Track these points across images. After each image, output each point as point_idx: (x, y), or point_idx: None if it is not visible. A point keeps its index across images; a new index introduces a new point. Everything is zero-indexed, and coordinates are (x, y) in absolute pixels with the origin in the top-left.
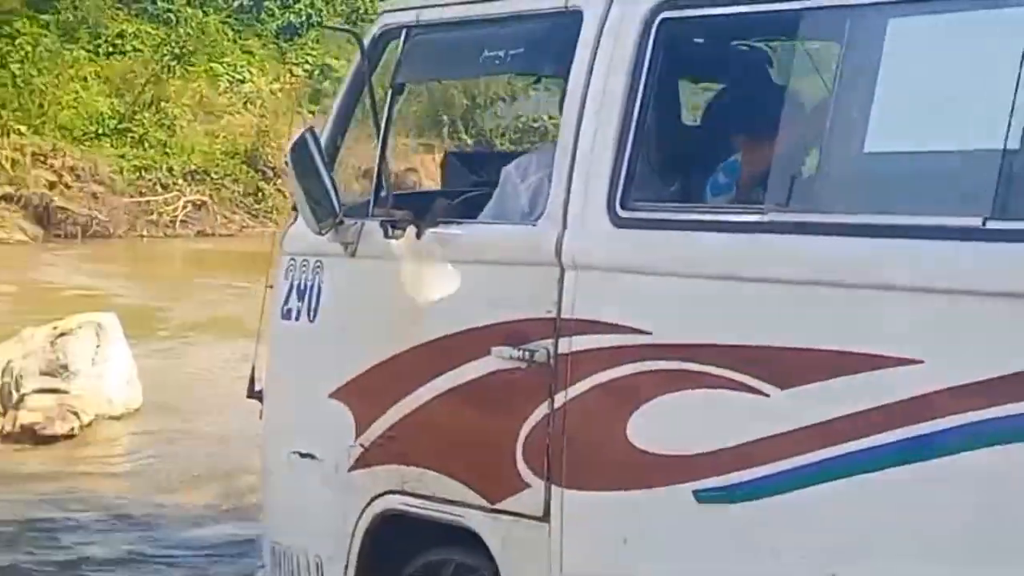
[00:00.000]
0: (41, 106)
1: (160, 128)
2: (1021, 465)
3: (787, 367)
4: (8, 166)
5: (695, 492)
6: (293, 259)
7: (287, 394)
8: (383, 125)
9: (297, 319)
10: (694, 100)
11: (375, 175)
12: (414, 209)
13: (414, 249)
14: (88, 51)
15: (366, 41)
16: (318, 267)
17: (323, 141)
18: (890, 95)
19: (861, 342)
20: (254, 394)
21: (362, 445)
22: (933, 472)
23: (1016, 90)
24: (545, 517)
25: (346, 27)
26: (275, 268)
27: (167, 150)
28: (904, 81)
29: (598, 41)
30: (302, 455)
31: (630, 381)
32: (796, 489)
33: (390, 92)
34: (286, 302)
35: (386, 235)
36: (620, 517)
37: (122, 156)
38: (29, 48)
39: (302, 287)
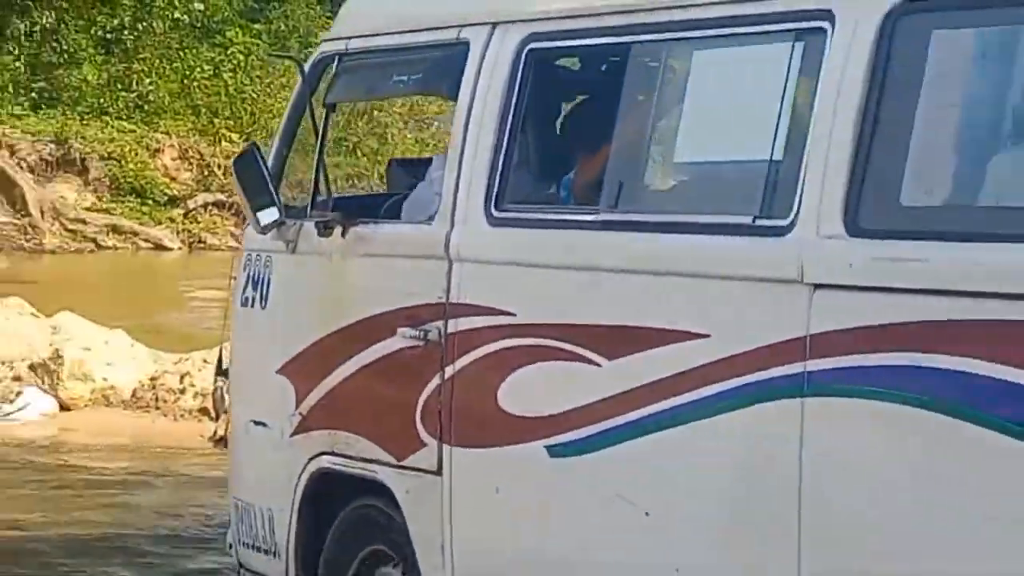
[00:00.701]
0: (253, 114)
1: (372, 136)
2: (776, 412)
3: (613, 342)
4: (220, 173)
5: (547, 447)
6: (250, 254)
7: (245, 371)
8: (319, 138)
9: (252, 306)
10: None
11: (312, 182)
12: (349, 211)
13: (339, 245)
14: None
15: (306, 66)
16: (268, 261)
17: (272, 153)
18: (692, 114)
19: (665, 320)
20: (221, 371)
21: (301, 414)
22: (717, 424)
23: (779, 113)
24: (439, 471)
25: (289, 55)
26: (237, 262)
27: (379, 158)
28: (702, 103)
29: (479, 67)
30: (256, 423)
31: (499, 355)
32: (621, 443)
33: (324, 110)
34: (244, 291)
35: (319, 234)
36: (493, 470)
37: (336, 165)
38: (241, 57)
39: (256, 278)
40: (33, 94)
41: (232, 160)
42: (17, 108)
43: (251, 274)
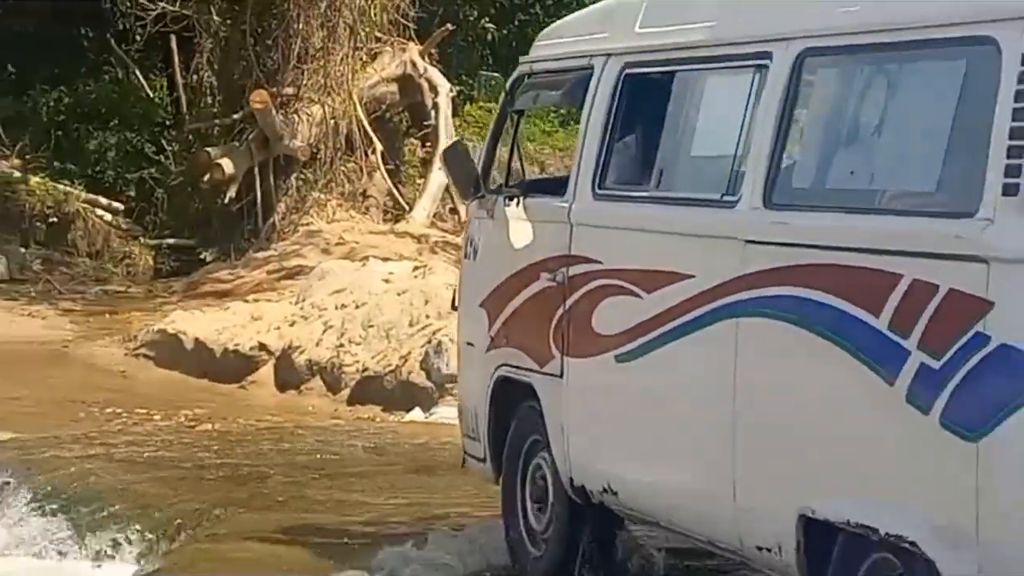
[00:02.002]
0: None
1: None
2: (727, 327)
3: (647, 281)
4: None
5: (615, 356)
6: (471, 221)
7: (463, 306)
8: (513, 135)
9: (469, 258)
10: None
11: (507, 167)
12: (524, 188)
13: (515, 213)
14: None
15: (508, 83)
16: (478, 226)
17: (486, 145)
18: (702, 122)
19: (673, 265)
20: (454, 307)
21: (491, 337)
22: (699, 337)
23: (741, 124)
24: (561, 375)
25: (495, 73)
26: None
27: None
28: (706, 115)
29: (597, 86)
30: (468, 344)
31: (593, 292)
32: (657, 349)
33: (515, 114)
34: (466, 248)
35: (505, 204)
36: (588, 373)
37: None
38: None
39: (472, 239)
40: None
41: (442, 150)
42: (547, 125)
43: (469, 235)
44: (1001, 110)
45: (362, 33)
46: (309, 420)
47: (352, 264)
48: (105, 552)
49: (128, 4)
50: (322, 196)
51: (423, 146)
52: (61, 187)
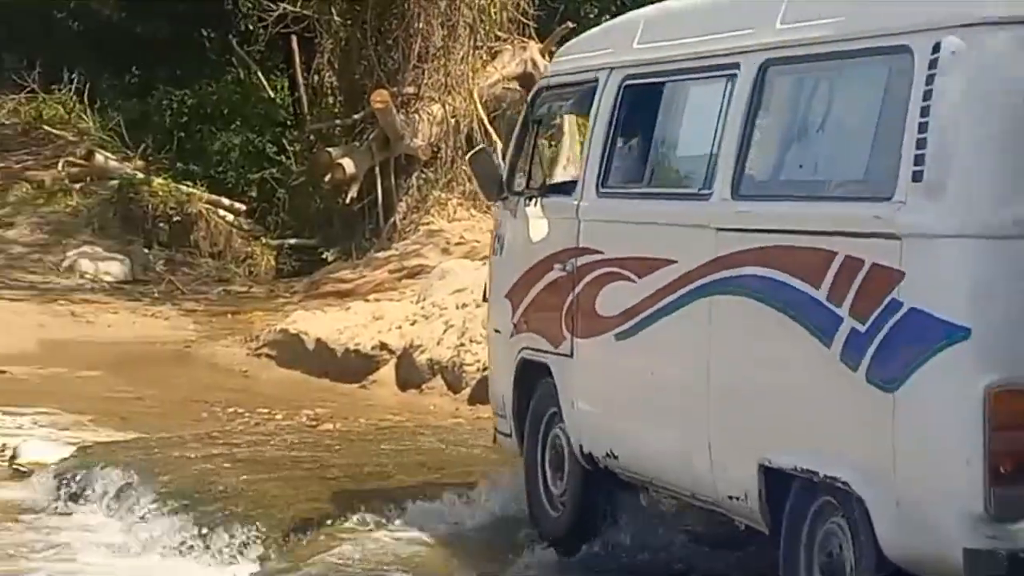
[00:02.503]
0: None
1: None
2: (704, 304)
3: (639, 266)
4: None
5: (614, 335)
6: (497, 220)
7: (493, 297)
8: (532, 142)
9: (496, 254)
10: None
11: (527, 170)
12: (541, 189)
13: (533, 211)
14: None
15: (530, 96)
16: (503, 224)
17: (511, 152)
18: (686, 125)
19: (658, 252)
20: (485, 299)
21: (514, 324)
22: (682, 314)
23: (715, 128)
24: (571, 355)
25: (519, 88)
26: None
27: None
28: (692, 118)
29: (602, 96)
30: (496, 331)
31: (596, 279)
32: (648, 327)
33: (535, 123)
34: (493, 244)
35: (525, 204)
36: (591, 350)
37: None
38: None
39: (499, 236)
40: None
41: (468, 155)
42: None
43: (496, 233)
44: (912, 107)
45: (482, 32)
46: (430, 419)
47: (473, 263)
48: (227, 552)
49: (250, 5)
50: (443, 195)
51: (550, 145)
52: (184, 188)
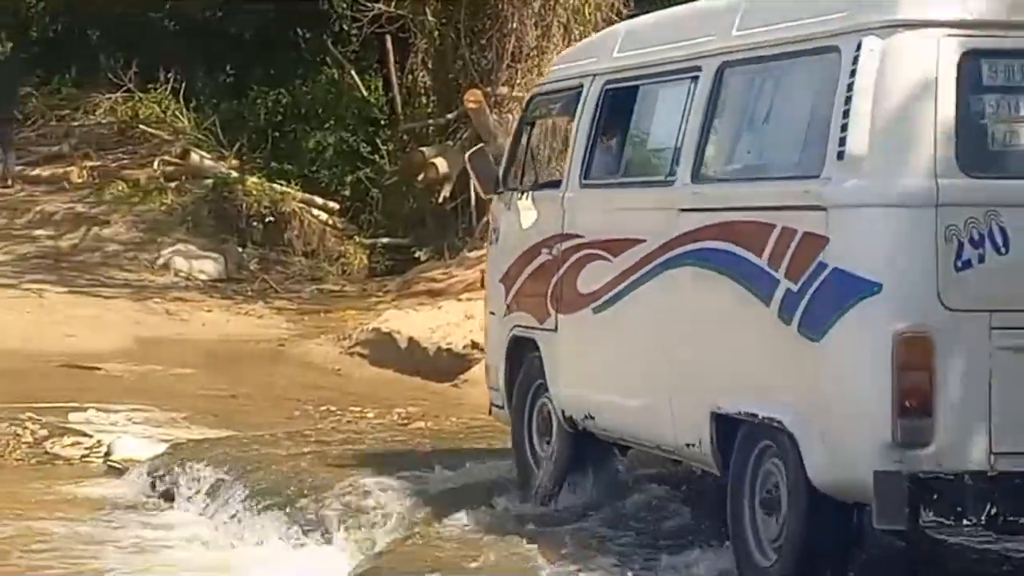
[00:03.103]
0: None
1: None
2: (668, 276)
3: (614, 247)
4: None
5: (592, 308)
6: (493, 213)
7: (489, 282)
8: (527, 142)
9: (492, 243)
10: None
11: (521, 168)
12: (533, 184)
13: (525, 204)
14: None
15: (525, 102)
16: (497, 214)
17: (507, 150)
18: (656, 122)
19: (629, 232)
20: (482, 286)
21: (507, 305)
22: (650, 287)
23: (679, 123)
24: (556, 330)
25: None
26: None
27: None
28: (657, 116)
29: (585, 99)
30: (491, 313)
31: (578, 260)
32: (620, 299)
33: (528, 126)
34: (490, 235)
35: (518, 198)
36: (572, 324)
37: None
38: None
39: (495, 227)
40: None
41: (468, 154)
42: None
43: (493, 225)
44: (839, 97)
45: (576, 32)
46: None
47: None
48: (318, 548)
49: (345, 5)
50: None
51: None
52: (278, 187)
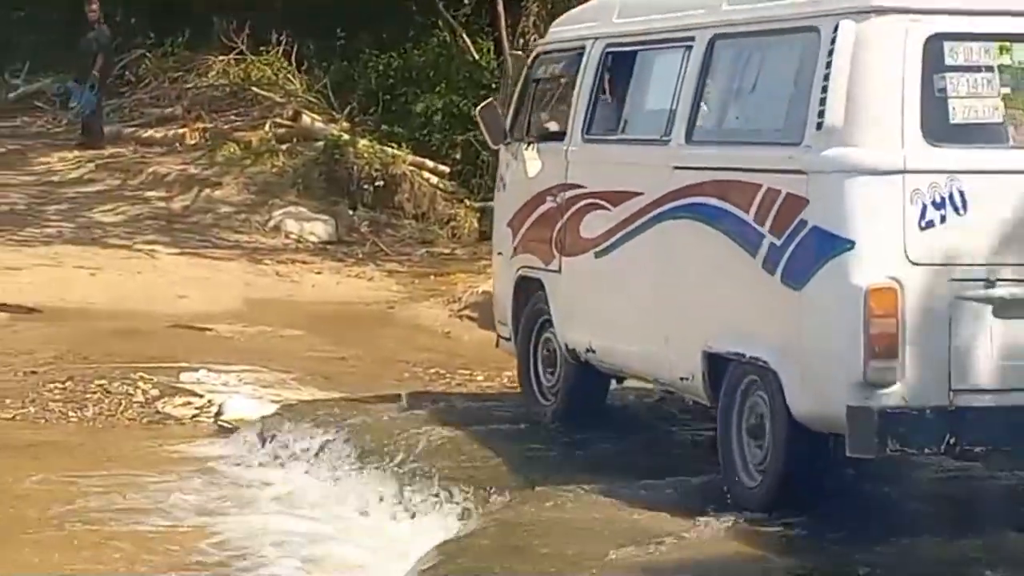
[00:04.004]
0: None
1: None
2: (663, 227)
3: (614, 198)
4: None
5: (593, 252)
6: (500, 162)
7: (496, 226)
8: (532, 97)
9: (499, 191)
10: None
11: (527, 121)
12: (539, 135)
13: (530, 155)
14: None
15: (529, 59)
16: (507, 164)
17: (513, 105)
18: (652, 86)
19: (629, 186)
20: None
21: (514, 247)
22: (646, 235)
23: (675, 87)
24: (559, 271)
25: (520, 52)
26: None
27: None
28: (656, 80)
29: (587, 60)
30: (499, 253)
31: (580, 208)
32: (620, 246)
33: (534, 82)
34: (498, 182)
35: (524, 148)
36: (575, 266)
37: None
38: None
39: (502, 175)
40: None
41: (478, 108)
42: None
43: (500, 174)
44: (818, 73)
45: None
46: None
47: None
48: (427, 510)
49: None
50: None
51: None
52: (388, 150)
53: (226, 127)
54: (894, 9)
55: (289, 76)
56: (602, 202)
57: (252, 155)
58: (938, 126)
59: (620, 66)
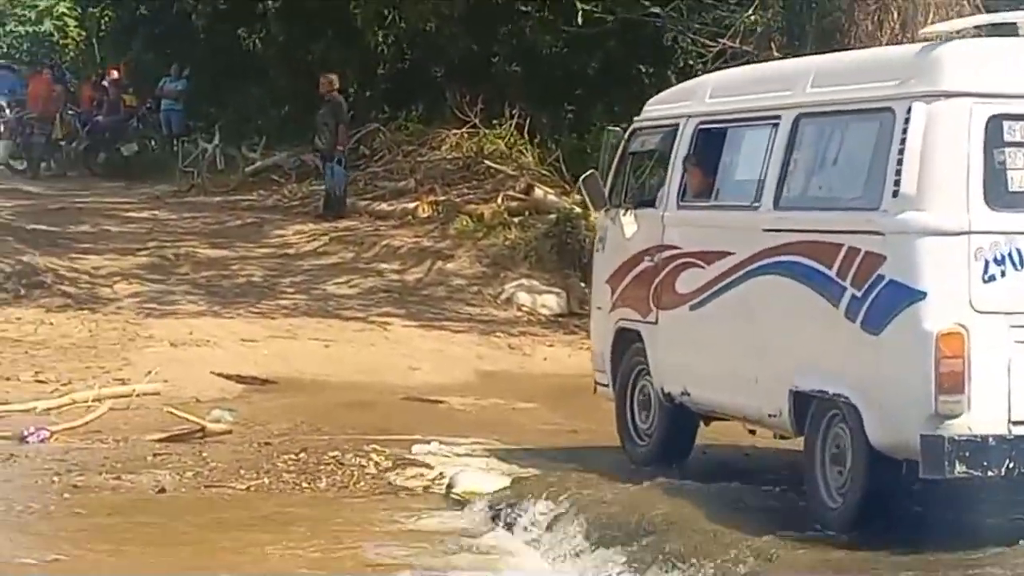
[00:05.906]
0: None
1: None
2: (754, 283)
3: (708, 257)
4: None
5: (689, 306)
6: (600, 226)
7: (596, 283)
8: (627, 170)
9: (599, 251)
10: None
11: (623, 189)
12: (636, 202)
13: (628, 219)
14: None
15: (626, 134)
16: (605, 229)
17: (612, 175)
18: (742, 158)
19: (721, 247)
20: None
21: (612, 302)
22: (739, 290)
23: (764, 157)
24: (656, 323)
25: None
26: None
27: None
28: (746, 153)
29: (680, 137)
30: (598, 308)
31: (675, 267)
32: (714, 299)
33: (631, 155)
34: (597, 243)
35: (623, 214)
36: (672, 318)
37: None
38: None
39: (602, 237)
40: None
41: (581, 179)
42: None
43: (600, 236)
44: (894, 147)
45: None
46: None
47: None
48: None
49: (690, 41)
50: None
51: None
52: None
53: (459, 200)
54: (960, 93)
55: (521, 149)
56: (697, 260)
57: (485, 228)
58: (998, 193)
59: (712, 140)
